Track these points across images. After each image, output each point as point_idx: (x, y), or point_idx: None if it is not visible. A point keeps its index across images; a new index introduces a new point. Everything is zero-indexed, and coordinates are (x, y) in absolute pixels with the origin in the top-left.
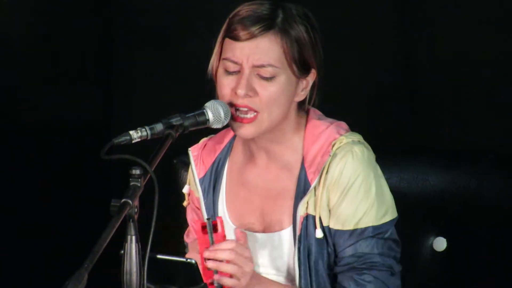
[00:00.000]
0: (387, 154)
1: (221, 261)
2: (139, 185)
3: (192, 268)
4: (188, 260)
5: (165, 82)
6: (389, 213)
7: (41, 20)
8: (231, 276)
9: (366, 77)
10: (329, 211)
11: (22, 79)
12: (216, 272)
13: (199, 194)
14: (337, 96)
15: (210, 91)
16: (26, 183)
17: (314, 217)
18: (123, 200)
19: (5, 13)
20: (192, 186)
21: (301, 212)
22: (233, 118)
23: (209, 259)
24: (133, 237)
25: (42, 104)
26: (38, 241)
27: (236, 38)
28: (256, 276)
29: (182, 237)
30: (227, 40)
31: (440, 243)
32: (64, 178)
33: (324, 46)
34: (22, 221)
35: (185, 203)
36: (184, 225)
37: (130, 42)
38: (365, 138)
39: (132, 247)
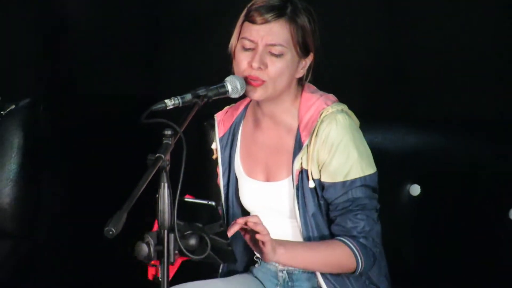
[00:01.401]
0: (376, 121)
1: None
2: (170, 143)
3: (212, 209)
4: (209, 203)
5: (199, 61)
6: (370, 167)
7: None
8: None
9: (361, 59)
10: (319, 168)
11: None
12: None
13: (219, 149)
14: (337, 74)
15: (230, 69)
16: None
17: (307, 171)
18: (157, 155)
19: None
20: (216, 143)
21: (296, 166)
22: (247, 83)
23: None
24: (165, 184)
25: (101, 81)
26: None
27: (253, 22)
28: (277, 241)
29: (207, 184)
30: (246, 23)
31: (415, 189)
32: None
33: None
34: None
35: (214, 156)
36: (211, 174)
37: (174, 25)
38: (359, 108)
39: (164, 192)
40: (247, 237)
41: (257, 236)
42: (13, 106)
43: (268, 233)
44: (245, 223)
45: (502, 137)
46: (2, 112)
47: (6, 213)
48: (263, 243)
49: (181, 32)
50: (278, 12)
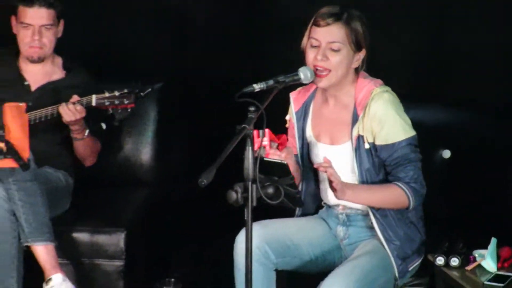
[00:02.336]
0: (418, 100)
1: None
2: (253, 116)
3: (284, 166)
4: (282, 161)
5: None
6: (411, 130)
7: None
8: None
9: (405, 53)
10: (373, 134)
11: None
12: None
13: (294, 120)
14: (388, 63)
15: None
16: None
17: (363, 136)
18: (242, 125)
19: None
20: (291, 115)
21: (354, 133)
22: (315, 75)
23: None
24: (249, 147)
25: (215, 68)
26: None
27: (318, 25)
28: (345, 183)
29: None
30: (313, 27)
31: (446, 153)
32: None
33: (372, 33)
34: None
35: (286, 125)
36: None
37: (271, 29)
38: (405, 91)
39: (249, 153)
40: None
41: (329, 177)
42: (150, 89)
43: (337, 177)
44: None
45: None
46: (141, 94)
47: (144, 168)
48: (333, 183)
49: (276, 34)
50: (336, 17)
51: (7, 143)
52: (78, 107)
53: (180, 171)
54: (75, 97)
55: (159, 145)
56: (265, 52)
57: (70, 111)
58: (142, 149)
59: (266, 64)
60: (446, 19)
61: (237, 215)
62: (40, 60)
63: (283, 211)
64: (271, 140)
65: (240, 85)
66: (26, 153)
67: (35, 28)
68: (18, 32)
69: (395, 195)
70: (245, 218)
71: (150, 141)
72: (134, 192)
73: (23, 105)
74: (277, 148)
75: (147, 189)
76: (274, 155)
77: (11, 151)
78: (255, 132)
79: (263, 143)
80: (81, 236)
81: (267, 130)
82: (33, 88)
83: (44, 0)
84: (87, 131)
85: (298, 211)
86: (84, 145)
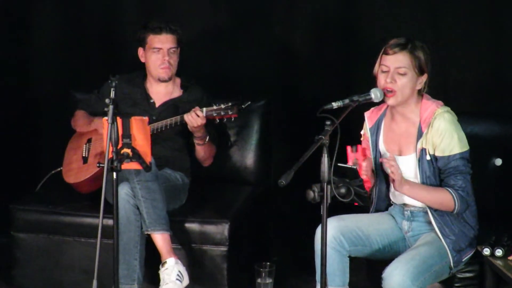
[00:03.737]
0: (474, 116)
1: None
2: (329, 129)
3: (355, 171)
4: (354, 167)
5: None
6: (465, 146)
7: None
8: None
9: (464, 73)
10: (433, 147)
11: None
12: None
13: (369, 135)
14: (448, 85)
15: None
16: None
17: (425, 149)
18: (319, 136)
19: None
20: (366, 131)
21: (419, 146)
22: (385, 95)
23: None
24: (325, 154)
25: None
26: None
27: (387, 54)
28: (405, 179)
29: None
30: (383, 56)
31: (498, 161)
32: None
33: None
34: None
35: (361, 139)
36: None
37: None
38: (462, 108)
39: (324, 159)
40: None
41: (390, 169)
42: (249, 102)
43: (398, 170)
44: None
45: None
46: (242, 106)
47: (249, 169)
48: (393, 174)
49: (363, 56)
50: (402, 47)
51: (133, 149)
52: (200, 114)
53: (278, 173)
54: (197, 108)
55: (261, 152)
56: (353, 72)
57: (193, 118)
58: (247, 155)
59: (353, 83)
60: (504, 39)
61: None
62: (169, 78)
63: (361, 209)
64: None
65: (330, 101)
66: (148, 158)
67: (164, 51)
68: (148, 58)
69: (444, 197)
70: (321, 213)
71: (254, 148)
72: (239, 190)
73: (146, 118)
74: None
75: (250, 187)
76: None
77: (135, 156)
78: (348, 148)
79: (356, 156)
80: (193, 226)
81: (359, 147)
82: (157, 104)
83: (169, 28)
84: (207, 138)
85: (372, 209)
86: (204, 150)
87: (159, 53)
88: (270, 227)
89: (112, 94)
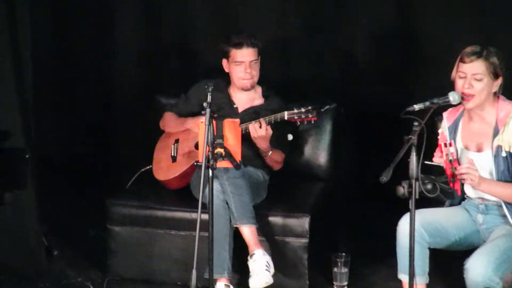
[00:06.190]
0: None
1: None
2: (416, 129)
3: (440, 167)
4: (439, 164)
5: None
6: None
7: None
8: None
9: None
10: (509, 145)
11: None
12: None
13: (447, 133)
14: None
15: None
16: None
17: (501, 146)
18: (409, 136)
19: None
20: (444, 129)
21: (495, 143)
22: (463, 99)
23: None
24: (414, 153)
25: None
26: None
27: (464, 62)
28: (481, 177)
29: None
30: (460, 63)
31: None
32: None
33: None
34: None
35: (438, 137)
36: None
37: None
38: None
39: (413, 158)
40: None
41: (468, 174)
42: (328, 106)
43: (476, 174)
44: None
45: None
46: (322, 109)
47: (322, 167)
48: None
49: (426, 63)
50: (478, 55)
51: (225, 149)
52: (263, 125)
53: (348, 170)
54: (262, 120)
55: (333, 150)
56: (416, 79)
57: (254, 129)
58: (320, 153)
59: (418, 89)
60: None
61: (391, 203)
62: (252, 87)
63: (436, 203)
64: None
65: (395, 106)
66: (238, 157)
67: (246, 64)
68: (231, 70)
69: None
70: (410, 208)
71: (326, 148)
72: (313, 185)
73: (237, 120)
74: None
75: (323, 183)
76: (436, 158)
77: (227, 155)
78: (442, 144)
79: (451, 151)
80: (276, 220)
81: (452, 142)
82: (239, 110)
83: (250, 42)
84: (270, 152)
85: (447, 202)
86: (269, 160)
87: (241, 66)
88: (342, 220)
89: (209, 99)
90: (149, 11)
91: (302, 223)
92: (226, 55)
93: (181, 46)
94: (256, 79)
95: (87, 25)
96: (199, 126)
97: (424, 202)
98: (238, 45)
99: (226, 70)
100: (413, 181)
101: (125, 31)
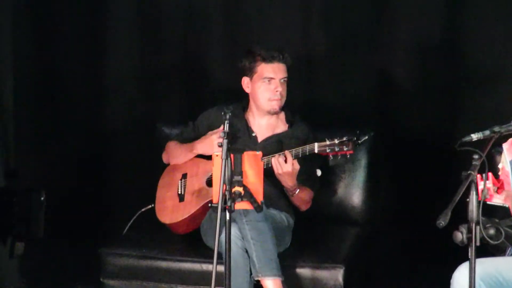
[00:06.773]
0: None
1: None
2: (477, 163)
3: (505, 209)
4: (504, 205)
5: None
6: None
7: None
8: None
9: None
10: None
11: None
12: None
13: (508, 168)
14: None
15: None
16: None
17: None
18: (468, 172)
19: None
20: (505, 164)
21: None
22: None
23: None
24: (473, 192)
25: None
26: None
27: None
28: None
29: None
30: None
31: None
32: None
33: None
34: None
35: (499, 173)
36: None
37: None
38: None
39: (473, 197)
40: None
41: None
42: (366, 137)
43: None
44: None
45: None
46: (359, 142)
47: (356, 209)
48: None
49: (473, 86)
50: None
51: (245, 187)
52: (289, 159)
53: (387, 212)
54: (287, 152)
55: (369, 189)
56: (467, 102)
57: (279, 163)
58: (354, 192)
59: (469, 115)
60: None
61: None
62: (280, 110)
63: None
64: (492, 183)
65: (442, 135)
66: (260, 197)
67: (277, 82)
68: (255, 89)
69: None
70: (469, 257)
71: (361, 186)
72: (347, 229)
73: (259, 153)
74: (496, 191)
75: (358, 227)
76: (496, 199)
77: (247, 195)
78: (478, 175)
79: (487, 185)
80: (304, 272)
81: (490, 174)
82: (259, 139)
83: (283, 56)
84: (297, 191)
85: (509, 251)
86: (296, 199)
87: (270, 84)
88: (382, 271)
89: (226, 128)
90: (146, 25)
91: (335, 275)
92: (250, 71)
93: (184, 66)
94: (284, 101)
95: (77, 48)
96: (214, 161)
97: (481, 249)
98: (269, 59)
99: (247, 90)
100: (473, 225)
101: (120, 51)
